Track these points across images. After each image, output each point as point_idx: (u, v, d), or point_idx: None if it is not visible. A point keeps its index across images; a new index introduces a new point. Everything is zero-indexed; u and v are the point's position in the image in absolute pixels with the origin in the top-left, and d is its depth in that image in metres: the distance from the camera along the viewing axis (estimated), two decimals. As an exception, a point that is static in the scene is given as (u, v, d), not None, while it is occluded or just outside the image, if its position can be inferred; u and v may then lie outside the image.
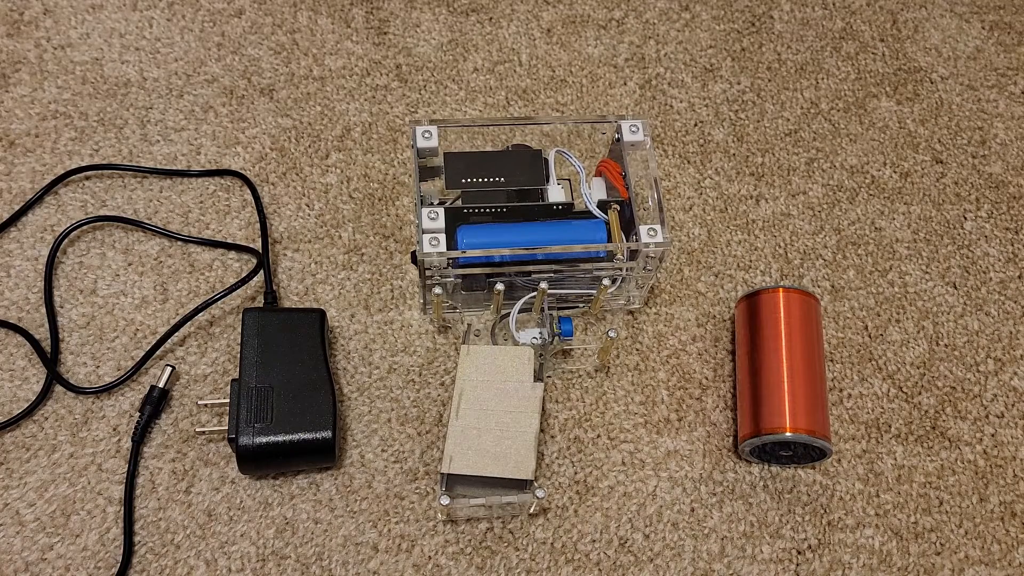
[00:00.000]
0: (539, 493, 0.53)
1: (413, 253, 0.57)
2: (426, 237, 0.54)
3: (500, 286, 0.56)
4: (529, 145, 0.61)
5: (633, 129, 0.59)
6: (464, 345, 0.57)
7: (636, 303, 0.63)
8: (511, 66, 0.75)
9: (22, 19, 0.74)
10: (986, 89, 0.78)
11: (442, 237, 0.54)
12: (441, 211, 0.55)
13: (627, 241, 0.57)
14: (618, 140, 0.60)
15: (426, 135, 0.58)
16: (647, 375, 0.62)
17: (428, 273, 0.56)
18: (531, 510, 0.56)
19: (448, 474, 0.52)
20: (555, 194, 0.59)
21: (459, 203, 0.59)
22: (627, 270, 0.58)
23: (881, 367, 0.64)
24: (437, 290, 0.56)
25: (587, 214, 0.59)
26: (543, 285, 0.56)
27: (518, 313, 0.58)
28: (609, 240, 0.57)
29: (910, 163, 0.73)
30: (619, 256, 0.57)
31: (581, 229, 0.57)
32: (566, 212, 0.59)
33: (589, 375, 0.62)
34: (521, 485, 0.53)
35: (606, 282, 0.57)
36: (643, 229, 0.56)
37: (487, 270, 0.56)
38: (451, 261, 0.55)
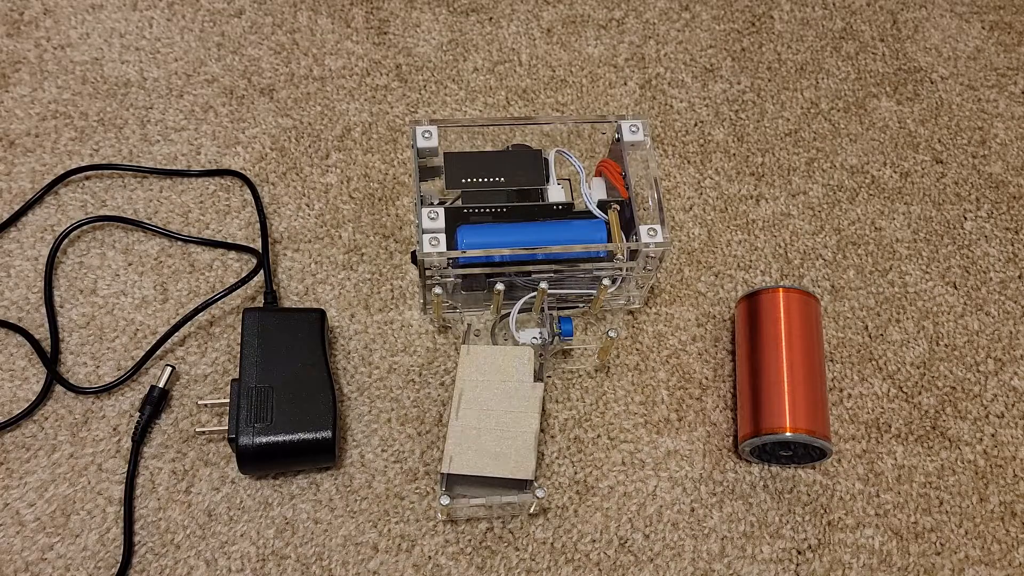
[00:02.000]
0: (539, 493, 0.53)
1: (413, 253, 0.57)
2: (426, 237, 0.54)
3: (500, 286, 0.56)
4: (529, 145, 0.61)
5: (633, 129, 0.59)
6: (464, 345, 0.57)
7: (636, 303, 0.63)
8: (511, 66, 0.75)
9: (22, 19, 0.74)
10: (986, 89, 0.78)
11: (442, 237, 0.54)
12: (441, 211, 0.55)
13: (627, 241, 0.57)
14: (618, 140, 0.60)
15: (426, 135, 0.58)
16: (647, 375, 0.62)
17: (428, 273, 0.56)
18: (531, 510, 0.56)
19: (448, 474, 0.52)
20: (555, 194, 0.59)
21: (459, 203, 0.59)
22: (627, 270, 0.58)
23: (881, 367, 0.64)
24: (437, 290, 0.56)
25: (587, 214, 0.59)
26: (543, 285, 0.56)
27: (518, 313, 0.58)
28: (609, 240, 0.57)
29: (910, 163, 0.73)
30: (619, 256, 0.57)
31: (581, 229, 0.57)
32: (566, 212, 0.59)
33: (589, 375, 0.62)
34: (521, 485, 0.53)
35: (606, 282, 0.57)
36: (643, 229, 0.56)
37: (487, 270, 0.56)
38: (451, 261, 0.55)
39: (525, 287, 0.58)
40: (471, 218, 0.58)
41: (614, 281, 0.58)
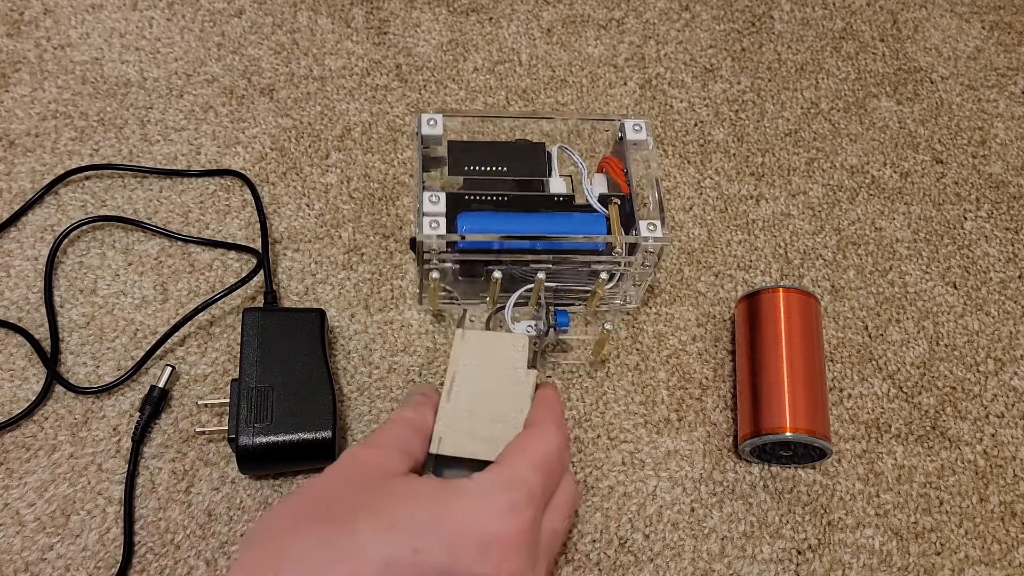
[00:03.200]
0: None
1: (412, 239, 0.57)
2: (426, 220, 0.54)
3: (497, 274, 0.56)
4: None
5: (636, 128, 0.59)
6: (459, 329, 0.56)
7: (633, 303, 0.63)
8: (511, 66, 0.76)
9: (22, 19, 0.74)
10: (986, 89, 0.78)
11: (442, 220, 0.54)
12: (443, 196, 0.55)
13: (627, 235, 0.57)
14: (621, 138, 0.60)
15: (431, 122, 0.58)
16: (647, 375, 0.62)
17: (426, 256, 0.55)
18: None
19: (437, 455, 0.52)
20: (557, 187, 0.59)
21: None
22: (625, 265, 0.58)
23: (881, 367, 0.64)
24: (434, 275, 0.56)
25: (588, 207, 0.59)
26: (540, 276, 0.56)
27: (513, 306, 0.58)
28: (608, 233, 0.57)
29: (910, 163, 0.73)
30: (618, 250, 0.57)
31: (581, 221, 0.57)
32: (567, 204, 0.59)
33: (589, 375, 0.62)
34: None
35: (603, 276, 0.57)
36: (643, 224, 0.56)
37: (485, 257, 0.56)
38: (450, 245, 0.55)
39: (523, 278, 0.58)
40: (472, 205, 0.58)
41: (612, 276, 0.58)
